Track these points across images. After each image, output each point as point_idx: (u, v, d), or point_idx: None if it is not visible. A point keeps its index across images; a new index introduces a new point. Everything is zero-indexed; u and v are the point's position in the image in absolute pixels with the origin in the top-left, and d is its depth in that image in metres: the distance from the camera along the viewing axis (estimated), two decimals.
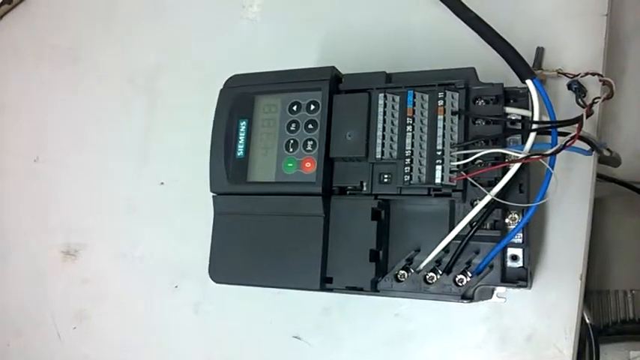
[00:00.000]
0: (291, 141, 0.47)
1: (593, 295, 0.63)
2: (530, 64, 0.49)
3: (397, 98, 0.45)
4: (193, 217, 0.59)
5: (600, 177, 0.67)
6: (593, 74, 0.46)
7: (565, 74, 0.48)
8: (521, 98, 0.44)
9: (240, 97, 0.50)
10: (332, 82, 0.47)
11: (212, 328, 0.59)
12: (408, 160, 0.44)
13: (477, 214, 0.42)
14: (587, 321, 0.56)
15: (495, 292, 0.47)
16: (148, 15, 0.70)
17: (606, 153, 0.49)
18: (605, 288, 0.64)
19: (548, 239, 0.49)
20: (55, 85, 0.73)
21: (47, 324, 0.66)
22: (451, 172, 0.43)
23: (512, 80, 0.45)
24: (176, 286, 0.61)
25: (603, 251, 0.63)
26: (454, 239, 0.43)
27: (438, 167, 0.43)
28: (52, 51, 0.74)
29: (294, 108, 0.48)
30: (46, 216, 0.69)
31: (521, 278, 0.43)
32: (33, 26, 0.77)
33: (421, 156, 0.44)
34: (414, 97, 0.44)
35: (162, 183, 0.64)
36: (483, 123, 0.44)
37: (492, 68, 0.47)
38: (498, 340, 0.49)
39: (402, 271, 0.44)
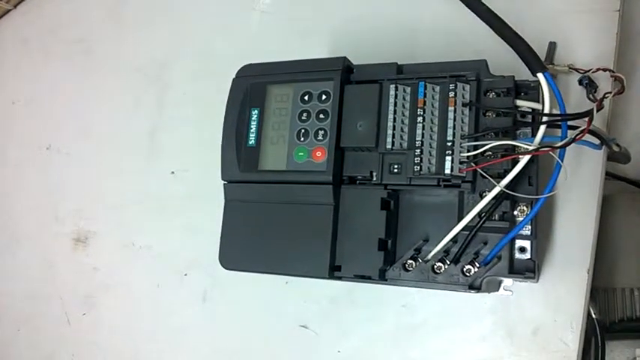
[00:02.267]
0: (303, 130, 0.48)
1: (599, 292, 0.63)
2: (542, 59, 0.49)
3: (408, 89, 0.46)
4: (203, 206, 0.60)
5: (609, 175, 0.67)
6: (605, 70, 0.47)
7: (576, 69, 0.48)
8: (531, 91, 0.45)
9: (252, 87, 0.50)
10: (343, 73, 0.47)
11: (220, 316, 0.59)
12: (418, 150, 0.44)
13: (485, 205, 0.42)
14: (594, 316, 0.56)
15: (502, 285, 0.48)
16: (159, 6, 0.71)
17: (616, 148, 0.49)
18: (611, 286, 0.63)
19: (556, 233, 0.49)
20: (66, 76, 0.74)
21: (57, 310, 0.67)
22: (461, 163, 0.43)
23: (522, 73, 0.45)
24: (185, 275, 0.61)
25: (611, 249, 0.63)
26: (462, 230, 0.43)
27: (448, 158, 0.43)
28: (63, 43, 0.75)
29: (306, 98, 0.48)
30: (56, 204, 0.70)
31: (529, 270, 0.43)
32: (44, 19, 0.77)
33: (431, 147, 0.44)
34: (425, 88, 0.45)
35: (172, 172, 0.65)
36: (494, 115, 0.44)
37: (503, 61, 0.47)
38: (504, 332, 0.49)
39: (411, 261, 0.45)
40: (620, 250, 0.64)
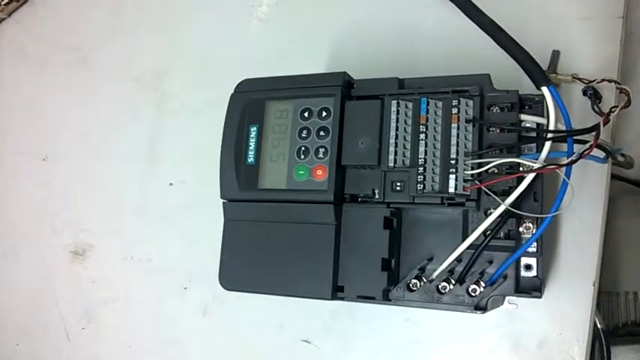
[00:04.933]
0: (303, 148, 0.47)
1: (603, 296, 0.63)
2: (546, 68, 0.49)
3: (410, 105, 0.45)
4: (202, 219, 0.59)
5: (611, 176, 0.66)
6: (610, 81, 0.46)
7: (580, 79, 0.47)
8: (536, 105, 0.44)
9: (250, 103, 0.49)
10: (344, 88, 0.47)
11: (221, 331, 0.59)
12: (421, 168, 0.43)
13: (491, 224, 0.42)
14: (599, 326, 0.56)
15: (507, 298, 0.47)
16: (157, 15, 0.69)
17: (621, 159, 0.48)
18: (615, 289, 0.63)
19: (561, 245, 0.48)
20: (63, 85, 0.72)
21: (56, 324, 0.66)
22: (465, 181, 0.42)
23: (525, 84, 0.44)
24: (185, 288, 0.61)
25: (614, 252, 0.63)
26: (467, 249, 0.42)
27: (452, 176, 0.42)
28: (60, 51, 0.73)
29: (306, 114, 0.47)
30: (54, 216, 0.69)
31: (535, 288, 0.42)
32: (41, 27, 0.76)
33: (434, 164, 0.43)
34: (428, 104, 0.44)
35: (170, 184, 0.64)
36: (498, 131, 0.43)
37: (506, 72, 0.46)
38: (510, 346, 0.49)
39: (415, 281, 0.44)
40: (624, 254, 0.63)
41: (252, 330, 0.57)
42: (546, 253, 0.46)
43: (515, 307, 0.47)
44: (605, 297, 0.64)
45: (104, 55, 0.71)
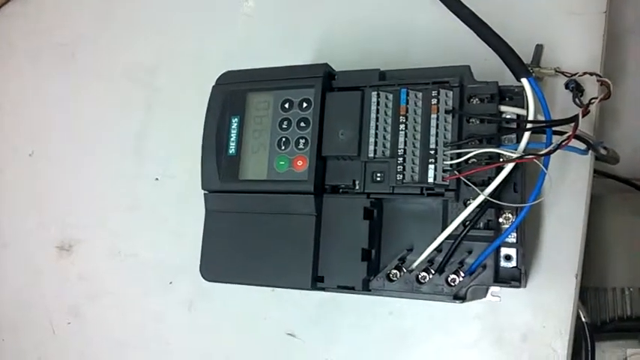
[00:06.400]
0: (283, 139, 0.47)
1: (590, 291, 0.63)
2: (529, 62, 0.49)
3: (390, 96, 0.45)
4: (188, 213, 0.59)
5: (600, 173, 0.67)
6: (592, 74, 0.46)
7: (563, 73, 0.47)
8: (516, 97, 0.44)
9: (231, 94, 0.49)
10: (325, 80, 0.47)
11: (206, 325, 0.59)
12: (401, 159, 0.43)
13: (470, 214, 0.42)
14: (583, 319, 0.56)
15: (490, 290, 0.47)
16: (145, 10, 0.69)
17: (603, 152, 0.48)
18: (602, 285, 0.63)
19: (543, 238, 0.48)
20: (51, 80, 0.72)
21: (42, 319, 0.66)
22: (444, 171, 0.42)
23: (508, 78, 0.44)
24: (170, 283, 0.61)
25: (601, 248, 0.63)
26: (447, 239, 0.42)
27: (431, 166, 0.42)
28: (49, 47, 0.73)
29: (286, 105, 0.47)
30: (41, 211, 0.69)
31: (514, 279, 0.42)
32: (30, 22, 0.76)
33: (414, 155, 0.43)
34: (408, 95, 0.44)
35: (156, 179, 0.64)
36: (477, 122, 0.43)
37: (489, 66, 0.46)
38: (493, 339, 0.49)
39: (395, 271, 0.44)
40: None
41: (237, 324, 0.57)
42: (529, 245, 0.46)
43: (499, 299, 0.47)
44: (593, 293, 0.64)
45: (93, 51, 0.71)
